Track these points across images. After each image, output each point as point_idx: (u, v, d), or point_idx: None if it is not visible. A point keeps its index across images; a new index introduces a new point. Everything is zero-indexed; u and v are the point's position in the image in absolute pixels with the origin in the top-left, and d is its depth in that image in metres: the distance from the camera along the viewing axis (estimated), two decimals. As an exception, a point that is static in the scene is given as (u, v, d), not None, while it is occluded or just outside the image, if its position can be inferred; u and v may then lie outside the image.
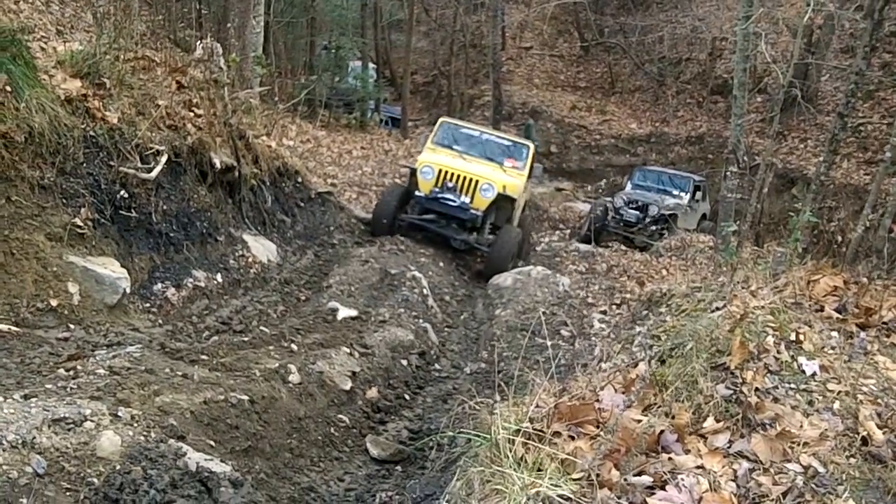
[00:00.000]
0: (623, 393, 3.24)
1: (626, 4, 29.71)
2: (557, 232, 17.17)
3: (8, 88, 5.12)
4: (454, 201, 11.64)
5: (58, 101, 5.64)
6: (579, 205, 20.96)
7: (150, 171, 6.44)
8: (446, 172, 11.86)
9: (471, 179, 11.81)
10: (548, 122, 26.40)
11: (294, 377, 5.00)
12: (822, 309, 4.24)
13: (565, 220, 18.85)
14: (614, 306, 9.27)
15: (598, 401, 3.13)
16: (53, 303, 5.01)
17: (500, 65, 25.04)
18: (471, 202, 11.72)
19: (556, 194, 22.43)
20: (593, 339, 7.49)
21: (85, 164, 5.83)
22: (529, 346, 6.93)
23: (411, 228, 11.95)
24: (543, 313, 8.33)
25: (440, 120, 14.28)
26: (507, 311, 8.95)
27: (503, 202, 12.11)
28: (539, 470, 2.64)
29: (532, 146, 13.61)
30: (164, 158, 6.66)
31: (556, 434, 2.86)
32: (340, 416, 5.15)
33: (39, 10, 7.77)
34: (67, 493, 3.08)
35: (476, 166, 12.30)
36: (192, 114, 7.66)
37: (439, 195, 11.67)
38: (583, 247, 14.29)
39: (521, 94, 27.43)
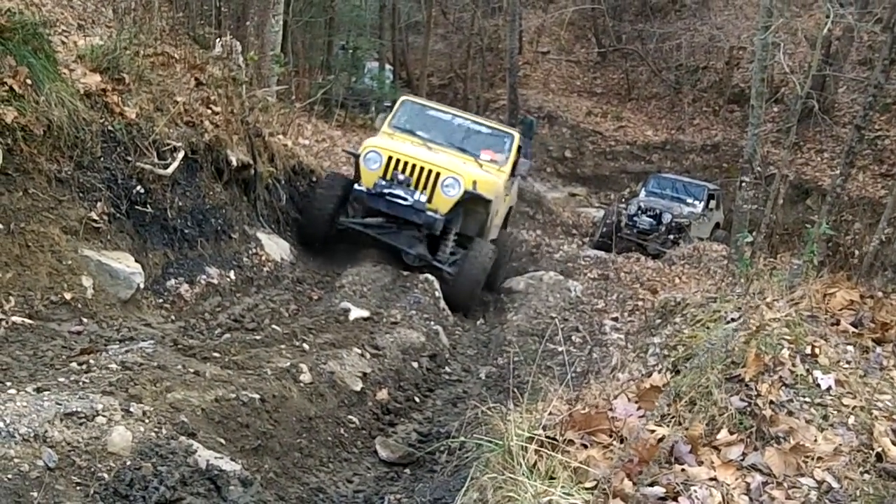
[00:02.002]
0: (637, 402, 3.23)
1: (645, 11, 29.66)
2: (570, 237, 17.14)
3: (28, 81, 5.14)
4: (405, 199, 8.97)
5: (77, 95, 5.67)
6: (592, 210, 20.96)
7: (166, 167, 6.47)
8: (397, 160, 9.19)
9: (430, 171, 9.14)
10: (563, 128, 26.35)
11: (305, 377, 5.00)
12: (837, 323, 4.22)
13: (578, 225, 18.84)
14: (626, 313, 9.24)
15: (611, 410, 3.12)
16: (67, 296, 5.02)
17: (517, 69, 25.00)
18: (428, 201, 9.05)
19: (569, 199, 22.43)
20: (606, 346, 7.47)
21: (102, 159, 5.85)
22: (541, 351, 6.92)
23: (352, 235, 9.56)
24: (555, 319, 8.32)
25: (401, 98, 11.37)
26: (519, 315, 8.94)
27: (474, 205, 9.54)
28: (551, 478, 2.64)
29: (517, 135, 10.87)
30: (180, 155, 6.69)
31: (569, 442, 2.85)
32: (350, 416, 5.14)
33: (61, 4, 7.79)
34: (78, 488, 3.09)
35: (440, 156, 9.67)
36: (209, 111, 7.68)
37: (385, 190, 9.00)
38: (595, 253, 14.25)
39: (536, 99, 27.38)
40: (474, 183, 9.30)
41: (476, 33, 27.64)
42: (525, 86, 27.53)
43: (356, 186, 9.17)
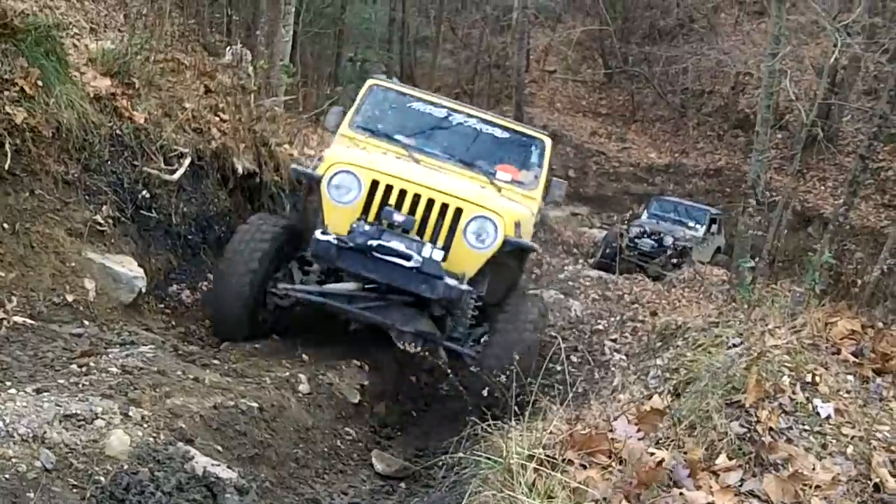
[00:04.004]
0: (637, 424, 3.23)
1: (652, 34, 29.79)
2: (572, 257, 17.14)
3: (39, 83, 5.15)
4: (407, 257, 5.23)
5: (87, 99, 5.68)
6: (594, 231, 20.97)
7: (172, 172, 6.47)
8: (388, 187, 5.52)
9: (444, 205, 5.53)
10: (567, 147, 26.44)
11: (304, 387, 5.00)
12: (838, 352, 4.22)
13: (579, 245, 18.85)
14: (626, 335, 9.23)
15: (611, 431, 3.12)
16: (69, 298, 5.02)
17: (524, 87, 25.10)
18: (444, 258, 5.38)
19: (571, 219, 22.44)
20: (605, 366, 7.45)
21: (109, 163, 5.86)
22: (540, 369, 6.90)
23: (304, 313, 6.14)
24: (555, 338, 8.30)
25: (368, 82, 7.26)
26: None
27: (509, 259, 5.91)
28: (550, 497, 2.63)
29: (548, 141, 7.02)
30: (187, 161, 6.69)
31: (569, 462, 2.85)
32: (347, 429, 5.15)
33: (74, 6, 7.82)
34: (74, 490, 3.08)
35: (447, 179, 6.00)
36: (217, 118, 7.68)
37: (373, 242, 5.23)
38: (596, 273, 14.25)
39: (542, 117, 27.47)
40: (517, 224, 5.83)
41: (484, 50, 27.82)
42: (531, 104, 27.63)
43: (317, 235, 5.34)
